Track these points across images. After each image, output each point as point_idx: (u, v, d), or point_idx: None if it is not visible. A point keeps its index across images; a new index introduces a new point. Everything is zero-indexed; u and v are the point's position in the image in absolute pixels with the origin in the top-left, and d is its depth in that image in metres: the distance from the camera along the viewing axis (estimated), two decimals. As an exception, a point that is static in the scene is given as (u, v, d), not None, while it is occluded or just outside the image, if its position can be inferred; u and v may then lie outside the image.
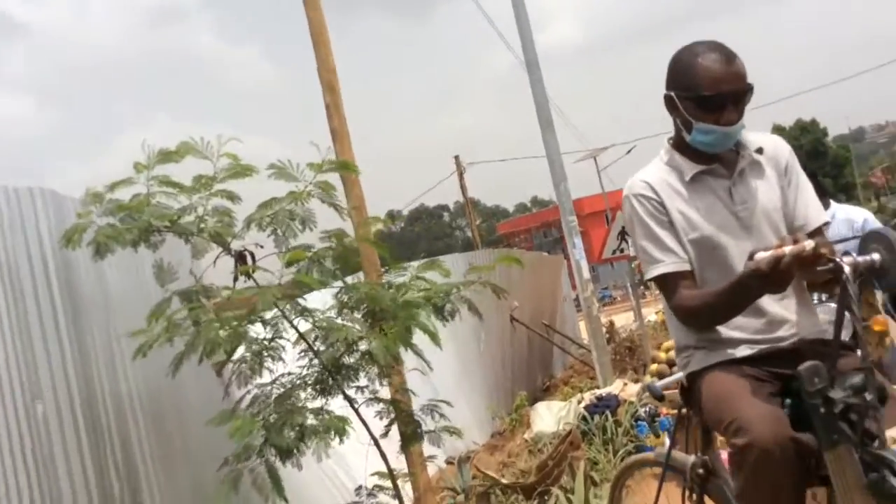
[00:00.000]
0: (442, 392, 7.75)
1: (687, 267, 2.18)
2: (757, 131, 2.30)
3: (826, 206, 4.61)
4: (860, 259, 1.76)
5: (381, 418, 3.76)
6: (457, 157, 27.75)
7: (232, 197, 3.45)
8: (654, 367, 5.12)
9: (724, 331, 2.17)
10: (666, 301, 2.20)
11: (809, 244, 1.73)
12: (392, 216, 72.49)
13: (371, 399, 3.68)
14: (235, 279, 3.44)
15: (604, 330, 11.56)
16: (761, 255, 1.77)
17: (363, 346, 3.33)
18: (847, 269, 1.73)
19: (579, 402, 6.32)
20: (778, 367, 2.09)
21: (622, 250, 9.14)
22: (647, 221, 2.21)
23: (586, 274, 8.21)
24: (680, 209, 2.19)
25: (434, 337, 3.26)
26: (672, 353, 5.00)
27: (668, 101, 2.20)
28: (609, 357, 8.54)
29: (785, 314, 2.17)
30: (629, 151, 30.47)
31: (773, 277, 1.79)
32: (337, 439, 3.18)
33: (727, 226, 2.17)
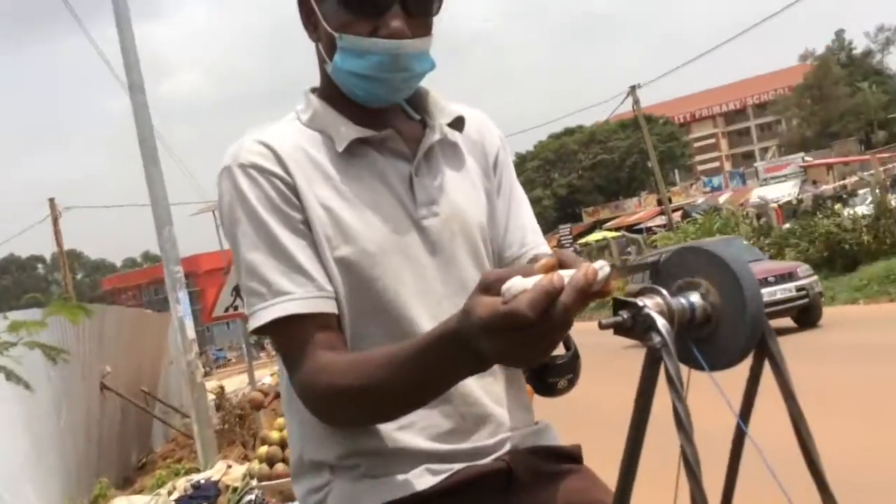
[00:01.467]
0: (5, 484, 6.21)
1: (332, 308, 1.16)
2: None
3: None
4: (674, 302, 0.85)
5: None
6: (52, 200, 24.37)
7: None
8: (262, 449, 4.27)
9: (389, 429, 1.18)
10: (288, 369, 1.16)
11: (602, 266, 0.83)
12: (-28, 266, 62.59)
13: None
14: None
15: (212, 396, 10.50)
16: (516, 286, 0.82)
17: None
18: (660, 323, 0.81)
19: (170, 494, 5.23)
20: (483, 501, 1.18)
21: (236, 307, 8.26)
22: (262, 216, 1.16)
23: (191, 333, 7.16)
24: (325, 201, 1.19)
25: None
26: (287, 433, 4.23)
27: (304, 7, 1.25)
28: (213, 431, 7.52)
29: (490, 405, 1.24)
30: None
31: (534, 332, 0.82)
32: None
33: (404, 240, 1.21)
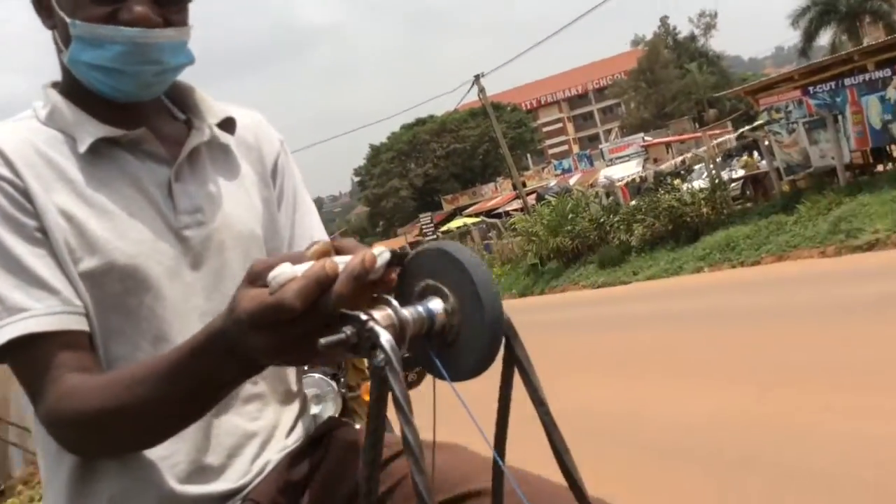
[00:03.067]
0: None
1: (82, 325, 1.02)
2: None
3: None
4: (408, 312, 0.77)
5: None
6: None
7: None
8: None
9: (132, 468, 1.04)
10: (32, 399, 1.00)
11: (381, 252, 0.76)
12: None
13: None
14: None
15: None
16: (284, 274, 0.74)
17: None
18: (384, 339, 0.71)
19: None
20: None
21: None
22: None
23: None
24: (66, 208, 1.04)
25: None
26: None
27: None
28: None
29: (251, 430, 1.13)
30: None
31: (305, 326, 0.74)
32: None
33: (162, 251, 1.07)
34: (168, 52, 1.07)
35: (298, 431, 1.19)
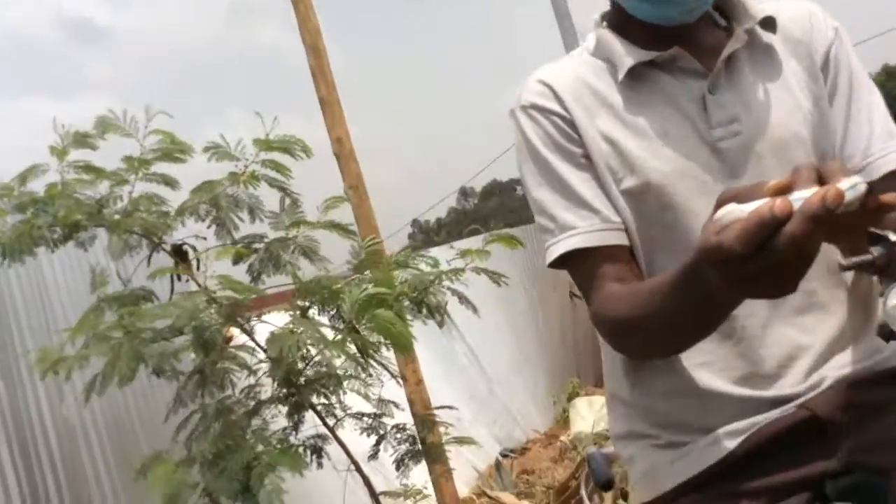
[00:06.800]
0: (498, 380, 7.26)
1: (620, 239, 1.13)
2: None
3: None
4: None
5: (368, 435, 3.15)
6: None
7: (169, 182, 2.89)
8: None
9: (689, 366, 1.13)
10: (584, 299, 1.16)
11: (853, 185, 0.68)
12: (465, 192, 72.09)
13: (352, 415, 3.06)
14: (173, 282, 2.90)
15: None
16: (728, 215, 0.72)
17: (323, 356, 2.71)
18: None
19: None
20: (797, 457, 1.06)
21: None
22: (544, 155, 1.16)
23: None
24: (607, 133, 1.14)
25: (403, 348, 2.60)
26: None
27: None
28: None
29: (805, 344, 1.10)
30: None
31: (755, 267, 0.72)
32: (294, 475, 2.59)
33: (696, 167, 1.10)
34: None
35: (866, 351, 1.13)
